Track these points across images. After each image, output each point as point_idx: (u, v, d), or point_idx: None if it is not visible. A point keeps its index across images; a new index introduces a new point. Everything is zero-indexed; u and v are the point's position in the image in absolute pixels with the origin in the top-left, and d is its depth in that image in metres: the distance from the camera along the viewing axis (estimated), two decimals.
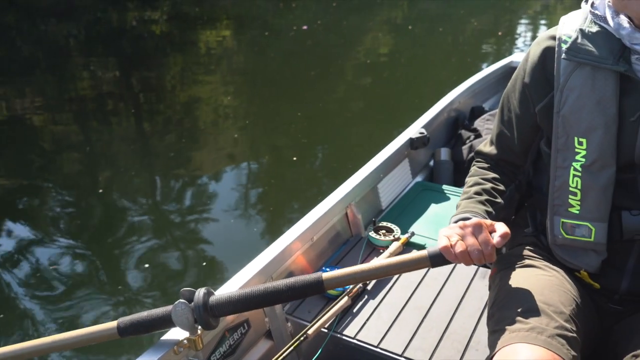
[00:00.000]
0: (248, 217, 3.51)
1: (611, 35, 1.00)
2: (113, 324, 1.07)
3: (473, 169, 1.28)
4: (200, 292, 1.05)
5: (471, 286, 1.59)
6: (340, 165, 4.12)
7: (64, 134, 4.92)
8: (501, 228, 1.00)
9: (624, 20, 0.97)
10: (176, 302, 1.03)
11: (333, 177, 3.90)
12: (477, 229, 1.00)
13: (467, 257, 0.99)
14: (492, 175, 1.22)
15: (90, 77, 6.50)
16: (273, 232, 3.29)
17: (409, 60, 7.32)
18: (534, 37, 8.44)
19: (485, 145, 1.29)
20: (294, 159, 4.27)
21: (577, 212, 1.06)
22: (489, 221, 1.03)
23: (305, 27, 8.58)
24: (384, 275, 1.06)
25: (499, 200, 1.18)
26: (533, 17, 10.52)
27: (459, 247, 0.98)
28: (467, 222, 1.01)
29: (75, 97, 5.83)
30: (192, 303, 1.04)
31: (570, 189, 1.06)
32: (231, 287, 1.39)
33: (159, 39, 8.62)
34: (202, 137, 4.79)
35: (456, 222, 1.08)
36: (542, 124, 1.12)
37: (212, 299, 1.05)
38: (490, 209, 1.14)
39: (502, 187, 1.21)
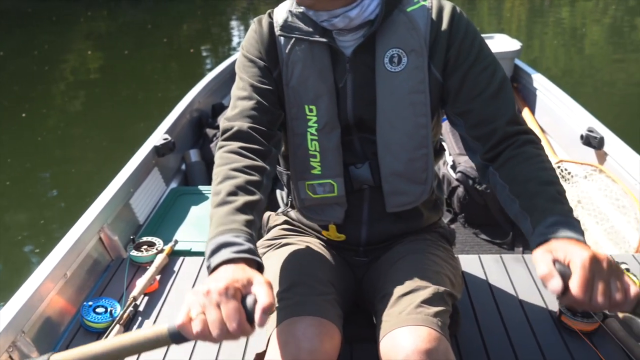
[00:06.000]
0: None
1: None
2: None
3: (219, 154, 1.08)
4: None
5: None
6: (74, 197, 3.72)
7: None
8: (263, 297, 0.78)
9: None
10: None
11: (68, 211, 3.50)
12: (225, 296, 0.78)
13: (209, 338, 0.77)
14: (243, 162, 1.05)
15: None
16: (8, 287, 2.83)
17: (125, 72, 6.93)
18: (246, 32, 8.86)
19: (232, 118, 1.12)
20: (12, 203, 3.69)
21: (319, 172, 1.17)
22: (244, 277, 0.81)
23: None
24: (124, 357, 0.85)
25: (257, 196, 1.01)
26: (242, 15, 11.10)
27: (197, 326, 0.77)
28: (212, 288, 0.78)
29: None
30: None
31: (310, 152, 1.16)
32: None
33: None
34: None
35: (213, 250, 0.89)
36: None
37: None
38: (250, 217, 0.96)
39: (257, 177, 1.04)
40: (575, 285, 0.75)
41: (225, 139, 1.11)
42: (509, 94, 1.11)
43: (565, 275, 0.77)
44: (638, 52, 7.38)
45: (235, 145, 1.08)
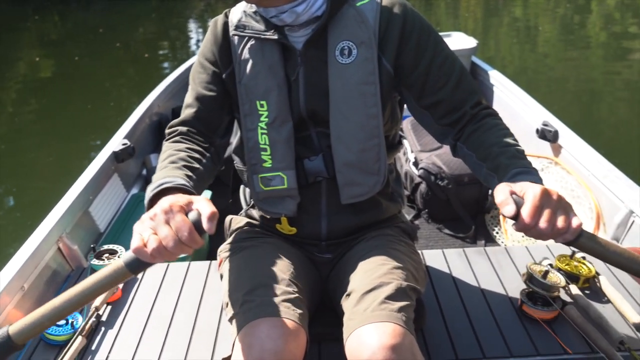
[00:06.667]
0: None
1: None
2: None
3: (163, 147, 1.18)
4: None
5: (208, 281, 1.61)
6: (31, 206, 3.59)
7: None
8: (205, 208, 0.84)
9: None
10: None
11: (24, 221, 3.38)
12: (171, 213, 0.84)
13: (165, 253, 0.82)
14: (185, 145, 1.16)
15: None
16: None
17: (77, 78, 6.74)
18: (204, 33, 8.77)
19: (175, 124, 1.22)
20: None
21: (270, 165, 1.19)
22: (184, 198, 0.87)
23: None
24: (85, 302, 0.87)
25: (197, 165, 1.11)
26: (199, 16, 10.94)
27: (152, 243, 0.81)
28: (157, 210, 0.84)
29: None
30: None
31: (261, 146, 1.19)
32: None
33: None
34: None
35: (151, 189, 0.97)
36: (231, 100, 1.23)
37: None
38: (189, 173, 1.05)
39: (197, 155, 1.14)
40: (525, 212, 0.85)
41: (171, 135, 1.21)
42: (470, 80, 1.18)
43: (519, 204, 0.88)
44: (588, 48, 7.65)
45: (177, 137, 1.19)
